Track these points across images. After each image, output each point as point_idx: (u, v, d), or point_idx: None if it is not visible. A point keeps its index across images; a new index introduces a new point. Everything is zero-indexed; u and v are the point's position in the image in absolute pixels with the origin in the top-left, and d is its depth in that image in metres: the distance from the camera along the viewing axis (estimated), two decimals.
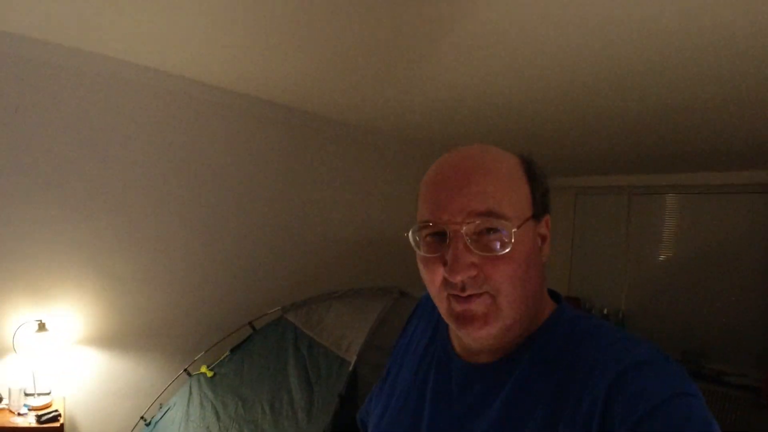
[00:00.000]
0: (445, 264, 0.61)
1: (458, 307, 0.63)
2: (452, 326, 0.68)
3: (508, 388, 0.63)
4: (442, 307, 0.66)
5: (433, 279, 0.64)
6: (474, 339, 0.64)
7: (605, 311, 4.40)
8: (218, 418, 2.28)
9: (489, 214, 0.60)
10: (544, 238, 0.67)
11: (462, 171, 0.62)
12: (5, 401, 2.47)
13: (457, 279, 0.60)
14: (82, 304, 2.70)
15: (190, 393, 2.50)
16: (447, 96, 2.73)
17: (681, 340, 3.98)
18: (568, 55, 2.03)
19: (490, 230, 0.60)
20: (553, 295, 0.73)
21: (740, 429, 3.43)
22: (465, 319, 0.63)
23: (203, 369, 2.58)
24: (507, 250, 0.60)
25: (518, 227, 0.61)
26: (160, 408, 2.61)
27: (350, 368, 1.92)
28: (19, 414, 2.41)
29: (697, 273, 3.91)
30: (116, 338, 2.80)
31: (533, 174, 0.65)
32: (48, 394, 2.54)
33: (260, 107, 3.25)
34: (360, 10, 1.77)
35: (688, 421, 0.49)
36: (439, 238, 0.62)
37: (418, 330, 0.84)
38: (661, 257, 4.31)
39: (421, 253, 0.65)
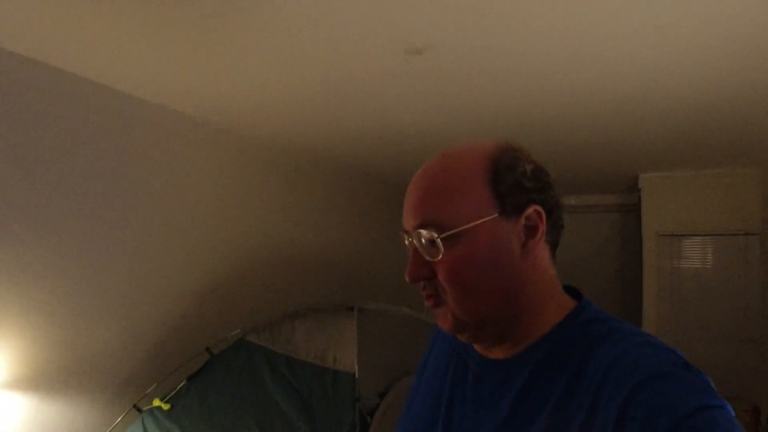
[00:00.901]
0: None
1: (428, 305, 0.70)
2: None
3: (516, 386, 0.64)
4: None
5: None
6: (445, 330, 0.71)
7: None
8: None
9: (422, 225, 0.65)
10: (533, 231, 0.65)
11: (413, 184, 0.69)
12: None
13: (409, 280, 0.67)
14: (5, 342, 2.37)
15: (145, 430, 2.34)
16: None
17: None
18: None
19: (433, 238, 0.64)
20: (575, 292, 0.72)
21: None
22: (435, 314, 0.71)
23: (156, 402, 2.41)
24: (439, 257, 0.64)
25: (455, 231, 0.63)
26: None
27: (356, 376, 2.03)
28: None
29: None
30: (47, 378, 2.42)
31: (500, 170, 0.65)
32: None
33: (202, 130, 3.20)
34: None
35: None
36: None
37: (440, 335, 0.87)
38: None
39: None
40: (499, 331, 0.67)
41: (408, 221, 0.67)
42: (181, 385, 2.46)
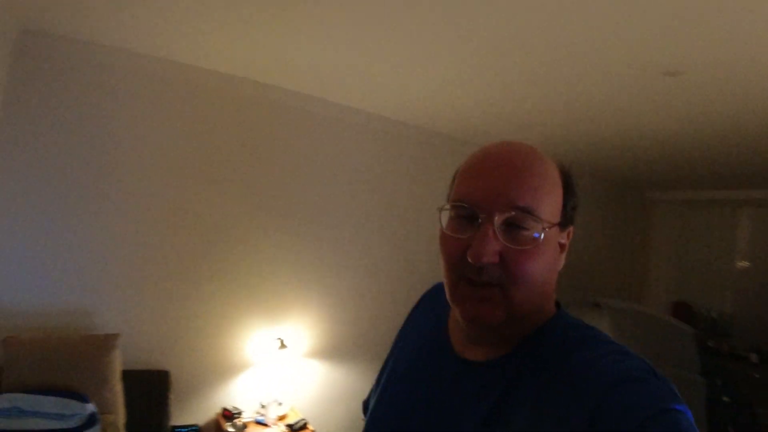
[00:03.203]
0: (467, 247, 0.61)
1: (468, 292, 0.63)
2: (455, 310, 0.67)
3: (494, 391, 0.63)
4: (450, 289, 0.66)
5: (450, 258, 0.64)
6: (474, 323, 0.64)
7: (714, 314, 4.74)
8: None
9: (526, 210, 0.61)
10: (563, 247, 0.68)
11: (510, 163, 0.63)
12: (251, 414, 2.74)
13: (480, 261, 0.60)
14: (308, 320, 3.01)
15: None
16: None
17: None
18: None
19: (521, 226, 0.61)
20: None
21: None
22: (472, 303, 0.63)
23: None
24: (532, 247, 0.61)
25: (547, 229, 0.62)
26: None
27: None
28: (264, 425, 2.67)
29: None
30: (336, 349, 3.10)
31: (569, 185, 0.67)
32: (281, 404, 2.83)
33: (437, 138, 3.58)
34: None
35: None
36: (468, 221, 0.63)
37: (420, 320, 0.86)
38: (742, 264, 4.79)
39: (446, 231, 0.65)
40: (510, 331, 0.66)
41: (498, 198, 0.61)
42: None
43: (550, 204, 0.63)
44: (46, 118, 2.29)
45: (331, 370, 3.10)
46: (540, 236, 0.61)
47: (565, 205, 0.66)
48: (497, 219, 0.61)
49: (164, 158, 2.55)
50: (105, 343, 2.23)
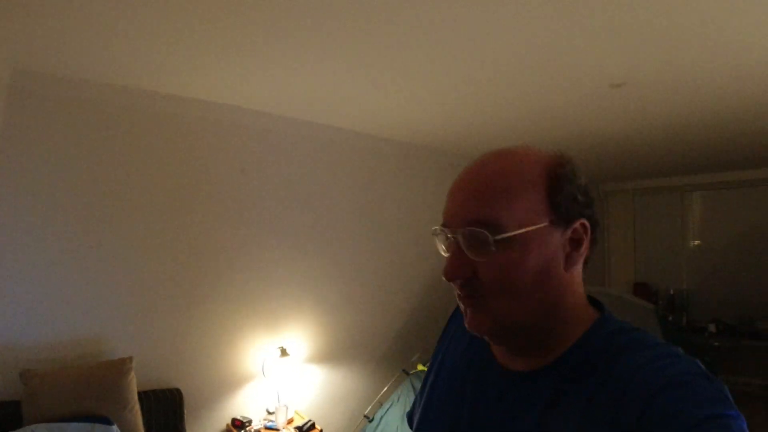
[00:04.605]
0: None
1: (462, 304, 0.67)
2: None
3: (542, 398, 0.62)
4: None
5: (445, 275, 0.66)
6: (473, 332, 0.66)
7: (671, 291, 5.18)
8: None
9: (476, 222, 0.62)
10: (577, 243, 0.65)
11: (468, 180, 0.66)
12: (259, 421, 2.89)
13: (448, 278, 0.64)
14: (306, 328, 3.18)
15: (413, 387, 3.02)
16: None
17: (735, 307, 4.79)
18: None
19: (479, 239, 0.61)
20: (597, 304, 0.71)
21: None
22: (466, 314, 0.66)
23: (420, 367, 3.10)
24: (487, 257, 0.61)
25: (510, 234, 0.61)
26: (381, 406, 3.11)
27: None
28: (275, 429, 2.81)
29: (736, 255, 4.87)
30: (333, 353, 3.28)
31: (559, 180, 0.64)
32: (287, 408, 2.99)
33: (415, 150, 3.84)
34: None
35: None
36: (449, 240, 0.66)
37: (457, 334, 0.84)
38: (694, 243, 5.29)
39: (441, 252, 0.69)
40: (531, 339, 0.66)
41: (456, 217, 0.64)
42: None
43: (517, 207, 0.62)
44: (43, 155, 2.37)
45: (329, 372, 3.28)
46: (491, 244, 0.61)
47: (552, 202, 0.63)
48: (458, 236, 0.64)
49: (161, 187, 2.68)
50: (121, 366, 2.33)
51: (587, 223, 0.65)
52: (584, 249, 0.65)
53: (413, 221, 3.75)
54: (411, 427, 0.86)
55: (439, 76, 2.39)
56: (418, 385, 3.00)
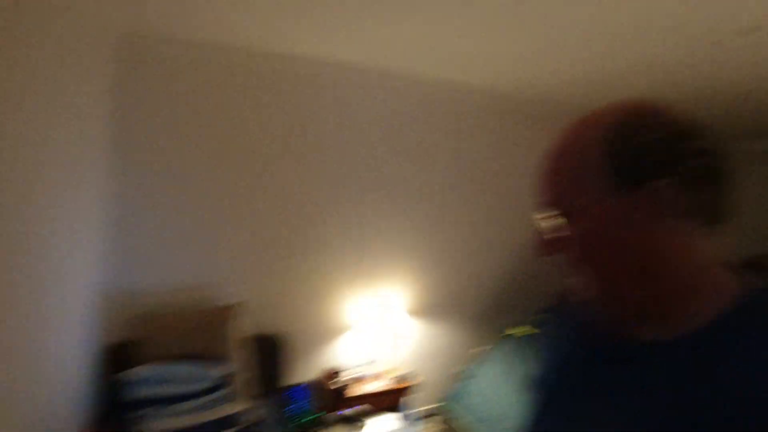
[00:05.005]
0: None
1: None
2: None
3: (682, 370, 0.57)
4: None
5: None
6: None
7: None
8: None
9: (547, 205, 0.65)
10: (666, 206, 0.57)
11: (543, 164, 0.68)
12: (354, 371, 2.87)
13: (537, 254, 0.67)
14: (404, 282, 3.14)
15: (509, 349, 2.90)
16: None
17: None
18: None
19: (554, 217, 0.64)
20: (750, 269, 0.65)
21: None
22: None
23: (514, 330, 2.96)
24: (560, 234, 0.63)
25: (576, 211, 0.61)
26: (476, 363, 3.00)
27: None
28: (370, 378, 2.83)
29: None
30: (432, 308, 3.26)
31: (620, 141, 0.59)
32: (383, 361, 2.96)
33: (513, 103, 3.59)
34: None
35: None
36: None
37: (553, 347, 0.80)
38: None
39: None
40: (645, 309, 0.60)
41: (539, 199, 0.67)
42: (544, 316, 2.92)
43: (573, 185, 0.61)
44: (158, 117, 2.48)
45: (425, 326, 3.24)
46: (559, 226, 0.63)
47: (615, 168, 0.58)
48: (541, 216, 0.66)
49: (270, 142, 2.80)
50: (229, 312, 2.36)
51: (672, 182, 0.56)
52: (680, 211, 0.57)
53: (515, 178, 3.55)
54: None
55: (556, 28, 2.20)
56: (513, 345, 2.88)
